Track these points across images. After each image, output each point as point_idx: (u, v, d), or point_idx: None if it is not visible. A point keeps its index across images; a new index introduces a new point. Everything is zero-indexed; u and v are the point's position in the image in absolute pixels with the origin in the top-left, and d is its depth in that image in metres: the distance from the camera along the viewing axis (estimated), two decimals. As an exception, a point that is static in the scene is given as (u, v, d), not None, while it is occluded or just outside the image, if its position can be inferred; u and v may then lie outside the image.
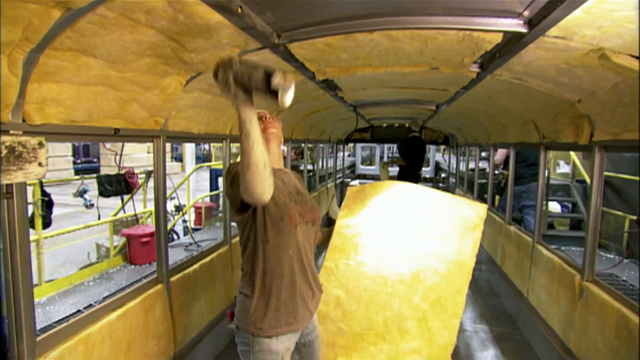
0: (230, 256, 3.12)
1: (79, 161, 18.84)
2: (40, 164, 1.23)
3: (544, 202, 4.40)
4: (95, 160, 19.10)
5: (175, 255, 4.52)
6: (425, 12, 1.51)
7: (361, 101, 4.05)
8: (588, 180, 5.93)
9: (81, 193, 5.48)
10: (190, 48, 1.58)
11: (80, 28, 1.20)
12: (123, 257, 4.88)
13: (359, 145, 10.76)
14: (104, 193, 5.18)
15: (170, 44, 1.52)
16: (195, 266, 2.63)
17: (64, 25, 1.17)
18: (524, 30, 1.50)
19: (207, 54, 1.67)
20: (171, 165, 21.89)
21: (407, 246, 2.02)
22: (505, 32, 1.60)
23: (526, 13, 1.44)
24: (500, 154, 5.31)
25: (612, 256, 4.12)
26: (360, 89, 3.14)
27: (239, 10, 1.32)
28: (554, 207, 6.36)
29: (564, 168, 7.60)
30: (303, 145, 5.57)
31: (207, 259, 2.81)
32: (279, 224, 1.43)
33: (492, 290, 4.36)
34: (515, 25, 1.51)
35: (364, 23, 1.55)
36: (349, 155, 11.55)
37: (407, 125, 6.50)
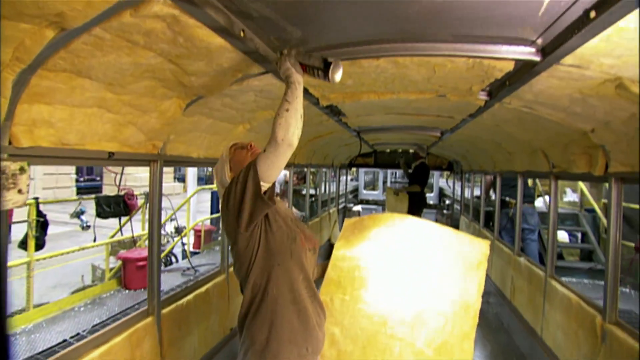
0: (227, 286, 2.97)
1: (82, 179, 18.87)
2: (20, 191, 1.14)
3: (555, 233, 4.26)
4: (98, 178, 19.14)
5: (172, 281, 4.37)
6: (434, 38, 1.46)
7: (365, 127, 4.01)
8: (597, 209, 5.85)
9: (78, 214, 5.40)
10: (191, 72, 1.53)
11: (75, 49, 1.15)
12: (118, 281, 4.73)
13: (362, 170, 10.69)
14: (101, 214, 5.10)
15: (169, 67, 1.47)
16: (190, 296, 2.49)
17: (58, 45, 1.12)
18: (536, 58, 1.45)
19: (207, 78, 1.62)
20: (173, 186, 21.87)
21: (408, 284, 1.88)
22: (517, 60, 1.54)
23: (539, 41, 1.39)
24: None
25: (626, 290, 3.94)
26: (364, 115, 3.09)
27: (242, 33, 1.27)
28: (562, 236, 6.19)
29: (571, 196, 7.47)
30: (305, 169, 5.50)
31: (203, 289, 2.67)
32: (292, 245, 1.38)
33: (501, 326, 4.13)
34: (527, 53, 1.46)
35: (370, 49, 1.50)
36: (351, 180, 11.47)
37: (411, 151, 6.43)
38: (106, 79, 1.39)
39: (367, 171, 11.33)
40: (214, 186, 9.13)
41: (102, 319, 3.16)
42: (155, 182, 2.07)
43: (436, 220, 8.63)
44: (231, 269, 3.10)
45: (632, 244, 4.28)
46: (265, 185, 1.32)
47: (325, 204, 7.23)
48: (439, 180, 9.90)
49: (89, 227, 5.42)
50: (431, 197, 9.44)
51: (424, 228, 2.07)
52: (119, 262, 4.72)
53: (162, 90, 1.68)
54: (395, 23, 1.32)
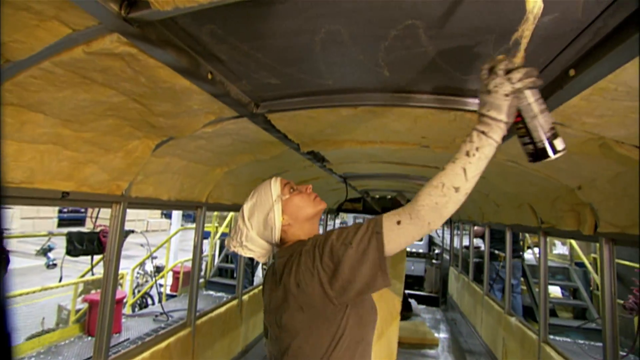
0: (192, 341, 2.70)
1: (65, 210, 18.23)
2: None
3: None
4: (82, 210, 18.52)
5: (142, 327, 4.02)
6: (414, 89, 1.42)
7: (351, 173, 3.95)
8: (587, 264, 5.73)
9: (45, 251, 5.07)
10: (158, 112, 1.45)
11: (22, 82, 1.06)
12: (81, 327, 4.34)
13: (351, 215, 10.54)
14: (72, 252, 4.78)
15: (135, 106, 1.39)
16: (146, 354, 2.22)
17: (3, 77, 1.03)
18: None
19: (177, 120, 1.54)
20: (159, 222, 21.34)
21: None
22: (498, 115, 1.50)
23: (521, 97, 1.35)
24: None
25: (623, 353, 3.72)
26: (348, 162, 3.03)
27: (209, 76, 1.20)
28: (555, 290, 6.00)
29: (561, 249, 7.37)
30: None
31: (163, 344, 2.40)
32: (374, 315, 1.14)
33: (494, 394, 3.81)
34: (509, 108, 1.41)
35: (348, 97, 1.45)
36: (341, 223, 11.26)
37: (390, 197, 6.39)
38: (63, 115, 1.29)
39: (357, 216, 11.19)
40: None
41: (51, 374, 2.81)
42: (117, 225, 1.91)
43: (425, 271, 8.45)
44: (199, 321, 2.84)
45: (622, 302, 4.14)
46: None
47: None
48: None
49: (54, 265, 5.08)
50: (421, 246, 9.24)
51: None
52: (86, 305, 4.36)
53: (129, 130, 1.58)
54: (373, 71, 1.27)
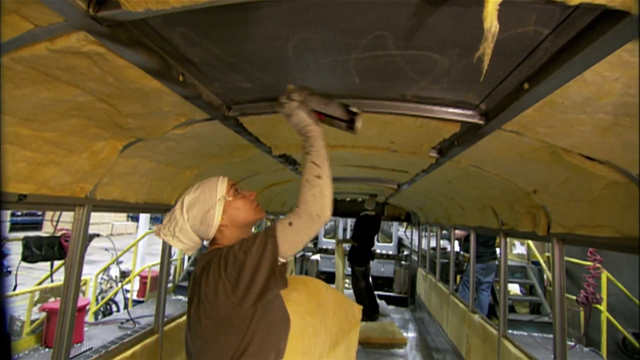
0: (159, 349, 2.61)
1: (18, 213, 16.81)
2: None
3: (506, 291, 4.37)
4: (39, 214, 17.14)
5: (106, 335, 3.83)
6: (382, 96, 1.47)
7: (323, 176, 3.99)
8: (542, 262, 6.12)
9: None
10: (126, 113, 1.41)
11: (-23, 78, 1.01)
12: (37, 338, 4.07)
13: None
14: (28, 258, 4.45)
15: (102, 107, 1.35)
16: (110, 363, 2.13)
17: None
18: (480, 122, 1.49)
19: (147, 121, 1.50)
20: (125, 225, 20.41)
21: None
22: (462, 122, 1.58)
23: (482, 106, 1.44)
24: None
25: (572, 343, 4.04)
26: (321, 165, 3.07)
27: (181, 78, 1.19)
28: (514, 288, 6.37)
29: (519, 249, 7.80)
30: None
31: (128, 353, 2.30)
32: (285, 324, 1.20)
33: (459, 388, 3.97)
34: (471, 116, 1.50)
35: (319, 102, 1.48)
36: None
37: (360, 200, 6.53)
38: (21, 113, 1.23)
39: (332, 218, 11.25)
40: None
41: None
42: (80, 229, 1.83)
43: (394, 272, 8.64)
44: (167, 327, 2.75)
45: (574, 297, 4.46)
46: (280, 261, 1.10)
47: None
48: (398, 230, 10.02)
49: (9, 272, 4.73)
50: (390, 247, 9.44)
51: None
52: (43, 315, 4.10)
53: (95, 130, 1.53)
54: (344, 78, 1.31)
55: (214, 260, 1.11)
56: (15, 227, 14.63)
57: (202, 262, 1.16)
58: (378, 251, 9.08)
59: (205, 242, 1.31)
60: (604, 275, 4.50)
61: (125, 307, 5.29)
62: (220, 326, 1.08)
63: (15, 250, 4.80)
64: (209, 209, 1.21)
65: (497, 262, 5.38)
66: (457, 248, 6.41)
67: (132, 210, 2.21)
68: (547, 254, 6.12)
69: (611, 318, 4.53)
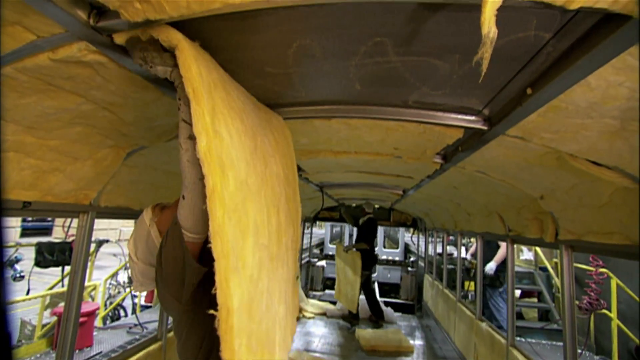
0: (162, 356, 2.61)
1: (29, 219, 17.08)
2: None
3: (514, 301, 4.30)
4: (49, 219, 17.41)
5: (114, 340, 3.83)
6: (385, 102, 1.46)
7: (327, 182, 3.98)
8: (549, 268, 6.01)
9: (12, 263, 4.77)
10: (129, 121, 1.42)
11: (-18, 88, 1.02)
12: (48, 342, 4.09)
13: (328, 223, 10.52)
14: (41, 263, 4.53)
15: (105, 115, 1.36)
16: (113, 371, 2.13)
17: (-39, 83, 0.99)
18: (484, 127, 1.48)
19: (148, 129, 1.51)
20: (133, 232, 20.51)
21: None
22: (465, 128, 1.57)
23: (486, 111, 1.42)
24: (499, 254, 5.15)
25: (579, 351, 3.93)
26: (324, 172, 3.07)
27: (182, 86, 1.20)
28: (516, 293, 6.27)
29: (527, 255, 7.68)
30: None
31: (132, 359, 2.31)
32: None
33: (467, 398, 3.88)
34: (475, 122, 1.49)
35: (322, 110, 1.48)
36: (320, 228, 11.21)
37: (354, 205, 6.48)
38: (26, 121, 1.24)
39: (335, 224, 11.20)
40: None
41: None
42: (83, 235, 1.84)
43: (401, 278, 8.54)
44: (171, 334, 2.74)
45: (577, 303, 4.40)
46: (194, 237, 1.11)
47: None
48: (404, 236, 9.92)
49: (22, 277, 4.78)
50: (397, 254, 9.35)
51: None
52: (54, 319, 4.12)
53: (99, 138, 1.54)
54: (345, 84, 1.31)
55: None
56: (26, 232, 14.83)
57: None
58: (384, 257, 9.00)
59: None
60: (614, 281, 4.40)
61: (133, 312, 5.31)
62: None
63: (27, 255, 4.87)
64: (147, 237, 1.25)
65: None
66: (452, 253, 6.33)
67: (137, 217, 2.22)
68: (555, 259, 6.01)
69: (622, 326, 4.41)
